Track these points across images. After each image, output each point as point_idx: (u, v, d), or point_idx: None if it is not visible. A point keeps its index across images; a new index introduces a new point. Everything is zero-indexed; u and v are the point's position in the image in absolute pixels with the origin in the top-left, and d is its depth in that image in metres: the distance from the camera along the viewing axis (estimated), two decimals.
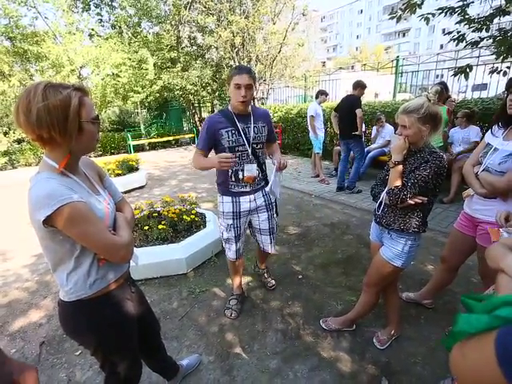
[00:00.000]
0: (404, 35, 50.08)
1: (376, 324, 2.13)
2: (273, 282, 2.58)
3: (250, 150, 1.91)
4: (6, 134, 8.58)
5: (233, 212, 2.03)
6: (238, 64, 10.21)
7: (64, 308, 1.07)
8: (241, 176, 1.92)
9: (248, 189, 1.99)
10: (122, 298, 1.15)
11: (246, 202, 2.02)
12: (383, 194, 1.63)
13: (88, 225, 0.94)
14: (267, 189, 1.93)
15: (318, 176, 5.95)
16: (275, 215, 2.22)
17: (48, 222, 0.89)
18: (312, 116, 5.47)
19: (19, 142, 8.91)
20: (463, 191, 1.91)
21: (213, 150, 1.97)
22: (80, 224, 0.92)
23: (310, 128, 5.65)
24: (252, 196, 2.03)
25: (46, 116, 0.87)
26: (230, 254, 2.18)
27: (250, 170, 1.90)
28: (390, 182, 1.58)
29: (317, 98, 5.59)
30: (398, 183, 1.54)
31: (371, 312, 2.05)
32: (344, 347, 1.96)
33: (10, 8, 7.99)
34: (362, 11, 55.42)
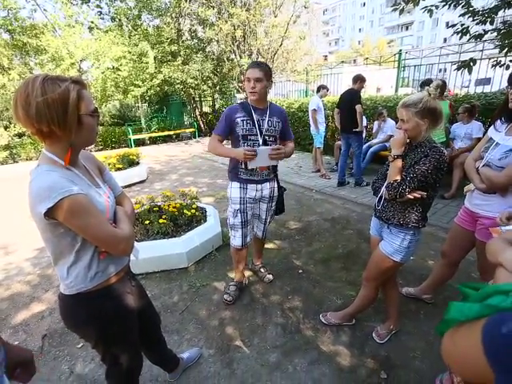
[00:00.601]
0: (407, 28, 49.55)
1: (375, 319, 2.14)
2: (270, 276, 2.60)
3: (260, 140, 2.03)
4: (6, 128, 8.57)
5: (240, 197, 2.15)
6: (238, 57, 10.14)
7: (64, 301, 1.08)
8: (249, 165, 2.02)
9: (256, 177, 2.13)
10: (123, 292, 1.16)
11: (252, 190, 2.16)
12: (383, 189, 1.63)
13: (89, 217, 0.94)
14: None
15: (318, 171, 5.94)
16: (273, 209, 2.37)
17: (49, 214, 0.89)
18: (314, 110, 5.46)
19: (20, 136, 8.90)
20: (465, 186, 1.91)
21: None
22: (81, 216, 0.92)
23: (311, 122, 5.63)
24: (259, 186, 2.16)
25: (45, 110, 0.87)
26: (236, 241, 2.28)
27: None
28: (390, 176, 1.58)
29: (318, 91, 5.61)
30: (398, 177, 1.53)
31: (371, 307, 2.06)
32: (343, 341, 1.97)
33: (9, 0, 7.92)
34: (364, 4, 54.79)
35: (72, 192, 0.89)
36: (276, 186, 2.30)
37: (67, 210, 0.89)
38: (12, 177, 6.59)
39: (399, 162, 1.55)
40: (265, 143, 2.05)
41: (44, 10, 8.83)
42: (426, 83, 4.02)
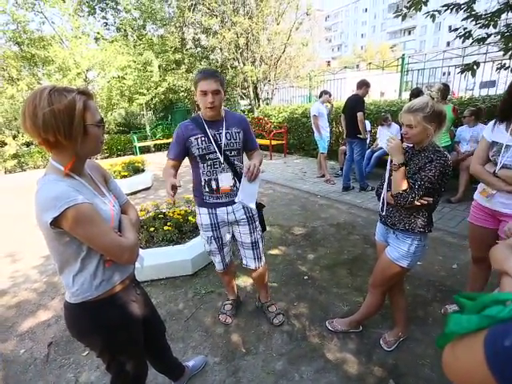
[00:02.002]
0: (410, 33, 49.65)
1: (383, 325, 2.10)
2: (280, 317, 2.17)
3: (221, 158, 1.78)
4: (14, 137, 8.73)
5: (211, 224, 1.91)
6: (242, 65, 10.23)
7: (70, 310, 1.08)
8: (214, 186, 1.81)
9: (224, 199, 1.85)
10: (127, 300, 1.16)
11: (223, 214, 1.89)
12: (383, 195, 1.62)
13: (94, 226, 0.95)
14: (236, 199, 1.71)
15: (323, 176, 5.92)
16: (259, 228, 2.02)
17: (55, 223, 0.90)
18: (315, 115, 5.49)
19: (28, 145, 9.05)
20: (481, 191, 1.84)
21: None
22: (86, 225, 0.93)
23: (314, 128, 5.64)
24: (230, 208, 1.87)
25: (51, 120, 0.89)
26: (217, 266, 2.09)
27: (225, 179, 1.80)
28: (396, 185, 1.53)
29: (320, 97, 5.65)
30: (405, 186, 1.50)
31: (378, 313, 2.03)
32: (350, 349, 1.94)
33: (18, 13, 8.14)
34: (366, 10, 55.12)
35: (77, 201, 0.91)
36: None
37: (72, 219, 0.90)
38: (20, 185, 6.69)
39: (403, 170, 1.52)
40: (226, 160, 1.80)
41: (52, 22, 9.06)
42: (414, 94, 3.96)
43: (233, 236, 2.05)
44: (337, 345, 1.98)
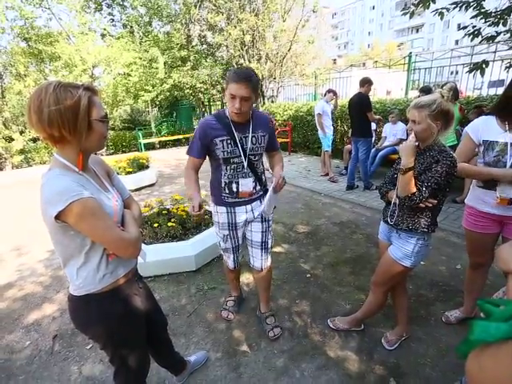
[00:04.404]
0: (417, 31, 49.06)
1: (385, 324, 2.10)
2: (277, 330, 2.05)
3: (245, 163, 1.72)
4: (21, 132, 8.82)
5: (228, 223, 1.87)
6: (247, 62, 10.20)
7: (74, 302, 1.10)
8: (235, 189, 1.76)
9: (244, 198, 1.81)
10: (130, 293, 1.17)
11: (242, 213, 1.84)
12: (392, 198, 1.60)
13: (98, 220, 0.96)
14: (260, 209, 1.75)
15: (327, 175, 5.91)
16: (271, 229, 1.98)
17: (60, 217, 0.91)
18: (319, 114, 5.51)
19: (34, 140, 9.14)
20: (499, 200, 1.67)
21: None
22: (90, 219, 0.94)
23: (318, 126, 5.66)
24: (249, 206, 1.84)
25: (56, 115, 0.90)
26: (229, 262, 2.07)
27: (245, 184, 1.76)
28: (404, 189, 1.50)
29: (325, 95, 5.70)
30: (413, 189, 1.47)
31: (380, 312, 2.03)
32: (352, 347, 1.94)
33: (26, 10, 8.20)
34: (374, 7, 54.57)
35: (82, 196, 0.92)
36: None
37: (77, 213, 0.91)
38: (26, 180, 6.77)
39: (411, 174, 1.47)
40: (250, 164, 1.75)
41: (59, 18, 9.11)
42: (424, 90, 3.98)
43: (243, 235, 2.00)
44: (338, 343, 1.98)
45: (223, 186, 1.78)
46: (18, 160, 8.54)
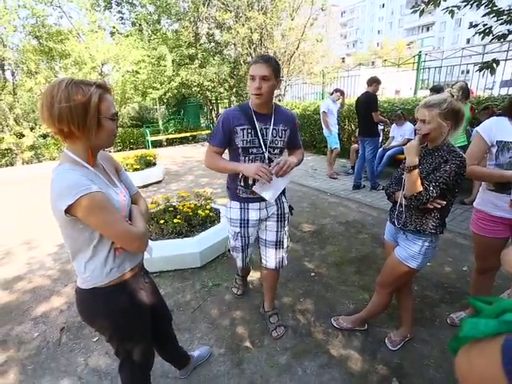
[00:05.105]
0: (428, 29, 48.36)
1: (389, 325, 2.09)
2: (281, 329, 2.04)
3: (266, 154, 1.70)
4: (32, 129, 8.96)
5: (240, 219, 1.84)
6: None
7: (81, 295, 1.12)
8: (251, 181, 1.71)
9: (258, 194, 1.73)
10: (136, 288, 1.19)
11: (255, 210, 1.82)
12: (400, 197, 1.59)
13: (106, 214, 0.98)
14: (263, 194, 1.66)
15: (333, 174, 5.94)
16: (287, 228, 1.94)
17: (69, 211, 0.93)
18: (324, 112, 5.54)
19: (44, 137, 9.28)
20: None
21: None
22: (98, 213, 0.96)
23: (323, 124, 5.68)
24: (263, 203, 1.81)
25: (66, 111, 0.92)
26: (238, 261, 2.02)
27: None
28: (410, 188, 1.48)
29: (331, 94, 5.74)
30: (420, 188, 1.46)
31: (384, 312, 2.02)
32: (355, 346, 1.94)
33: (38, 8, 8.31)
34: (383, 5, 53.91)
35: (91, 190, 0.94)
36: (285, 200, 1.92)
37: (86, 206, 0.93)
38: (36, 175, 6.88)
39: (417, 172, 1.47)
40: (269, 158, 1.72)
41: (69, 16, 9.22)
42: (435, 90, 3.94)
43: (255, 235, 1.95)
44: (341, 342, 1.98)
45: (240, 177, 1.73)
46: (28, 156, 8.68)
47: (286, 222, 1.93)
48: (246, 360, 1.87)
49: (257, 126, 1.66)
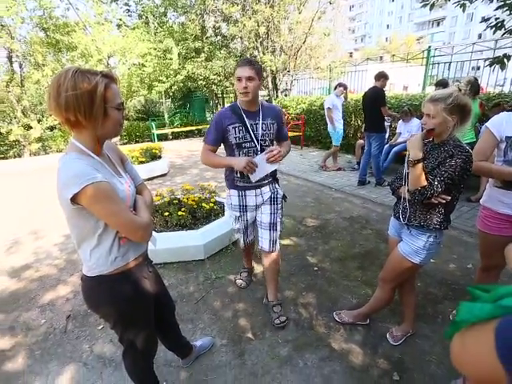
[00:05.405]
0: (438, 24, 47.39)
1: (391, 320, 2.10)
2: (283, 318, 2.08)
3: (258, 147, 1.90)
4: (39, 121, 9.04)
5: (239, 205, 2.06)
6: (261, 54, 10.12)
7: (86, 282, 1.14)
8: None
9: (253, 183, 1.94)
10: (140, 277, 1.21)
11: (252, 196, 2.02)
12: (403, 191, 1.57)
13: (110, 203, 0.99)
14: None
15: (339, 169, 5.92)
16: (280, 212, 2.11)
17: (75, 199, 0.94)
18: (329, 108, 5.52)
19: (51, 129, 9.37)
20: None
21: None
22: (103, 202, 0.97)
23: (328, 120, 5.67)
24: (258, 190, 2.01)
25: (73, 100, 0.93)
26: (240, 240, 2.29)
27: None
28: (414, 182, 1.47)
29: (335, 89, 5.72)
30: (424, 183, 1.44)
31: (386, 308, 2.02)
32: (356, 340, 1.95)
33: (45, 0, 8.31)
34: None
35: (96, 179, 0.95)
36: (278, 187, 2.12)
37: (91, 195, 0.94)
38: (43, 167, 6.96)
39: (421, 166, 1.45)
40: (262, 149, 1.90)
41: (76, 8, 9.21)
42: (440, 83, 3.89)
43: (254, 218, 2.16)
44: (343, 335, 1.99)
45: (236, 169, 1.88)
46: (35, 147, 8.78)
47: (280, 206, 2.11)
48: (247, 351, 1.89)
49: (247, 123, 1.86)
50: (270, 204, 2.05)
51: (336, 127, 5.61)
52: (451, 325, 0.49)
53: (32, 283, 2.66)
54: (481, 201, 1.87)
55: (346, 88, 5.78)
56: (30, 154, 8.88)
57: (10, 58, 8.47)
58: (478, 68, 6.85)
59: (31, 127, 8.59)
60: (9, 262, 3.02)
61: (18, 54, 8.41)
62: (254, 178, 1.85)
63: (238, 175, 1.94)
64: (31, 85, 9.03)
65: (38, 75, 8.32)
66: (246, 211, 2.08)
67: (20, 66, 8.79)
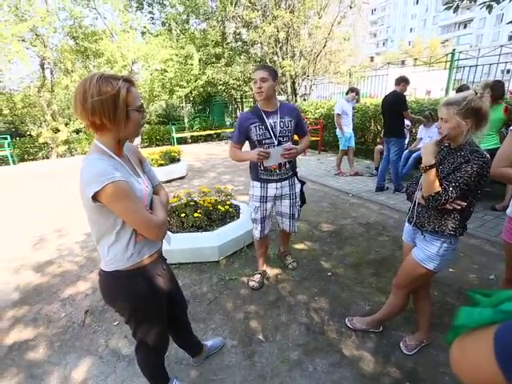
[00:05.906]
0: (465, 27, 45.83)
1: (405, 328, 2.04)
2: (295, 264, 2.75)
3: (276, 142, 2.15)
4: (66, 124, 9.50)
5: (260, 196, 2.33)
6: (281, 59, 10.19)
7: (103, 277, 1.20)
8: (265, 164, 2.13)
9: (275, 177, 2.28)
10: (154, 274, 1.26)
11: (272, 189, 2.31)
12: (417, 195, 1.55)
13: (128, 201, 1.04)
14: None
15: (356, 174, 5.83)
16: (299, 203, 2.47)
17: (96, 197, 1.00)
18: (338, 114, 5.53)
19: (77, 132, 9.82)
20: None
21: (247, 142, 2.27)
22: (122, 200, 1.03)
23: (336, 125, 5.72)
24: (278, 184, 2.31)
25: (99, 105, 0.99)
26: (256, 232, 2.49)
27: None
28: (427, 188, 1.45)
29: (346, 94, 5.69)
30: (437, 189, 1.42)
31: (400, 315, 1.98)
32: (368, 348, 1.91)
33: (75, 10, 8.79)
34: (417, 2, 51.71)
35: (116, 178, 1.00)
36: (296, 182, 2.41)
37: (111, 193, 1.00)
38: (69, 168, 7.30)
39: (434, 172, 1.43)
40: (279, 144, 2.15)
41: (104, 17, 9.66)
42: (461, 89, 3.78)
43: (274, 207, 2.47)
44: (355, 342, 1.96)
45: (259, 162, 2.15)
46: (62, 150, 9.22)
47: (298, 199, 2.46)
48: (257, 353, 1.91)
49: (266, 122, 2.12)
50: (290, 199, 2.40)
51: (344, 132, 5.64)
52: (451, 330, 0.48)
53: (54, 278, 2.79)
54: (507, 211, 1.79)
55: (358, 93, 5.79)
56: (57, 156, 9.33)
57: (42, 65, 8.97)
58: (508, 71, 6.57)
59: (59, 130, 9.04)
60: (34, 258, 3.19)
61: (49, 61, 8.90)
62: (266, 163, 2.08)
63: (261, 168, 2.23)
64: (60, 90, 9.50)
65: (66, 81, 8.77)
66: (266, 202, 2.35)
67: (51, 73, 9.30)
